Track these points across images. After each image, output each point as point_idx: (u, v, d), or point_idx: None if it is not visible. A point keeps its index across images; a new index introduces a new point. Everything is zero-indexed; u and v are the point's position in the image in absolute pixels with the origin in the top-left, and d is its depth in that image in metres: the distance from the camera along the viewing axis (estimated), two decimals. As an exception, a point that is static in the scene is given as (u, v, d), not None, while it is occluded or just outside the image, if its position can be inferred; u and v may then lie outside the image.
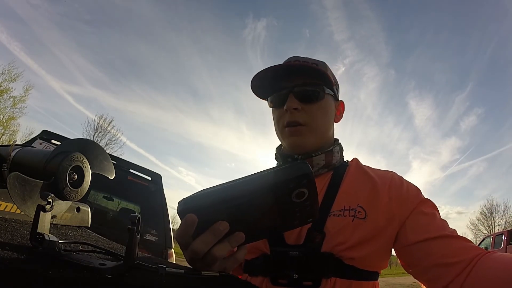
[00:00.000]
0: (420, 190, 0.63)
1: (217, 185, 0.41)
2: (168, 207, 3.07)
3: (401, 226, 0.59)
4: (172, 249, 2.93)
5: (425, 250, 0.53)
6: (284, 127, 0.66)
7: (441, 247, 0.52)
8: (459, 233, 0.56)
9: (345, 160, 0.73)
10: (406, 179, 0.66)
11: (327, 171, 0.68)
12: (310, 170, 0.40)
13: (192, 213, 0.39)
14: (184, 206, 0.40)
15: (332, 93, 0.69)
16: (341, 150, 0.72)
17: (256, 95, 0.71)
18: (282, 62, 0.69)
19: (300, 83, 0.65)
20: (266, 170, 0.42)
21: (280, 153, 0.72)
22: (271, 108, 0.71)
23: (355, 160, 0.73)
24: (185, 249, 0.43)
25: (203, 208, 0.39)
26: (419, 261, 0.55)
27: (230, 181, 0.41)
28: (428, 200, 0.62)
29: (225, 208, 0.39)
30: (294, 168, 0.40)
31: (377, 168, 0.70)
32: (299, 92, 0.65)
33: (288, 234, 0.60)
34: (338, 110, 0.73)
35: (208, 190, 0.41)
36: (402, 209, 0.59)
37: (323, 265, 0.56)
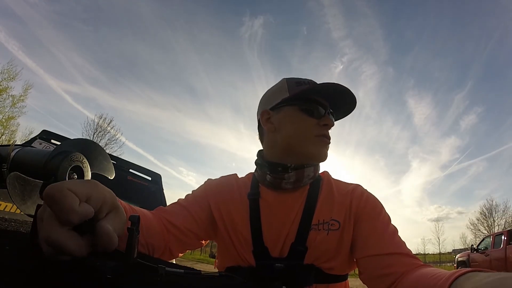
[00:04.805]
0: (378, 204, 0.70)
1: None
2: (168, 207, 3.07)
3: (356, 235, 0.66)
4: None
5: (371, 263, 0.62)
6: (315, 136, 0.70)
7: (383, 262, 0.60)
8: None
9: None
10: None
11: (306, 184, 0.72)
12: None
13: None
14: None
15: None
16: (319, 165, 0.78)
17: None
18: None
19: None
20: None
21: (266, 161, 0.72)
22: (297, 112, 0.70)
23: (327, 174, 0.78)
24: None
25: None
26: (364, 271, 0.63)
27: None
28: (384, 213, 0.68)
29: None
30: None
31: (344, 181, 0.77)
32: (335, 115, 0.74)
33: (272, 248, 0.65)
34: None
35: None
36: (358, 219, 0.67)
37: (306, 275, 0.62)
